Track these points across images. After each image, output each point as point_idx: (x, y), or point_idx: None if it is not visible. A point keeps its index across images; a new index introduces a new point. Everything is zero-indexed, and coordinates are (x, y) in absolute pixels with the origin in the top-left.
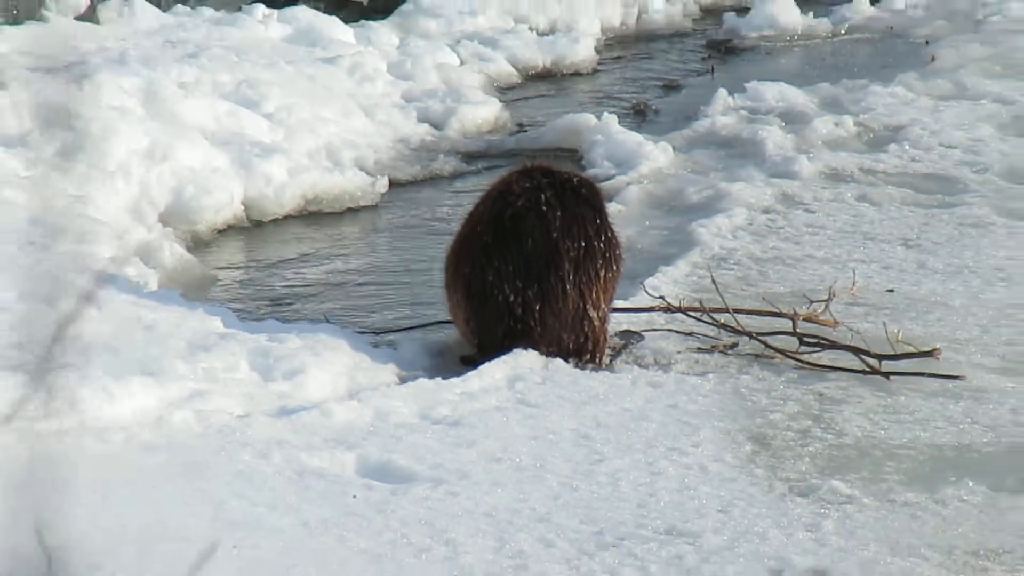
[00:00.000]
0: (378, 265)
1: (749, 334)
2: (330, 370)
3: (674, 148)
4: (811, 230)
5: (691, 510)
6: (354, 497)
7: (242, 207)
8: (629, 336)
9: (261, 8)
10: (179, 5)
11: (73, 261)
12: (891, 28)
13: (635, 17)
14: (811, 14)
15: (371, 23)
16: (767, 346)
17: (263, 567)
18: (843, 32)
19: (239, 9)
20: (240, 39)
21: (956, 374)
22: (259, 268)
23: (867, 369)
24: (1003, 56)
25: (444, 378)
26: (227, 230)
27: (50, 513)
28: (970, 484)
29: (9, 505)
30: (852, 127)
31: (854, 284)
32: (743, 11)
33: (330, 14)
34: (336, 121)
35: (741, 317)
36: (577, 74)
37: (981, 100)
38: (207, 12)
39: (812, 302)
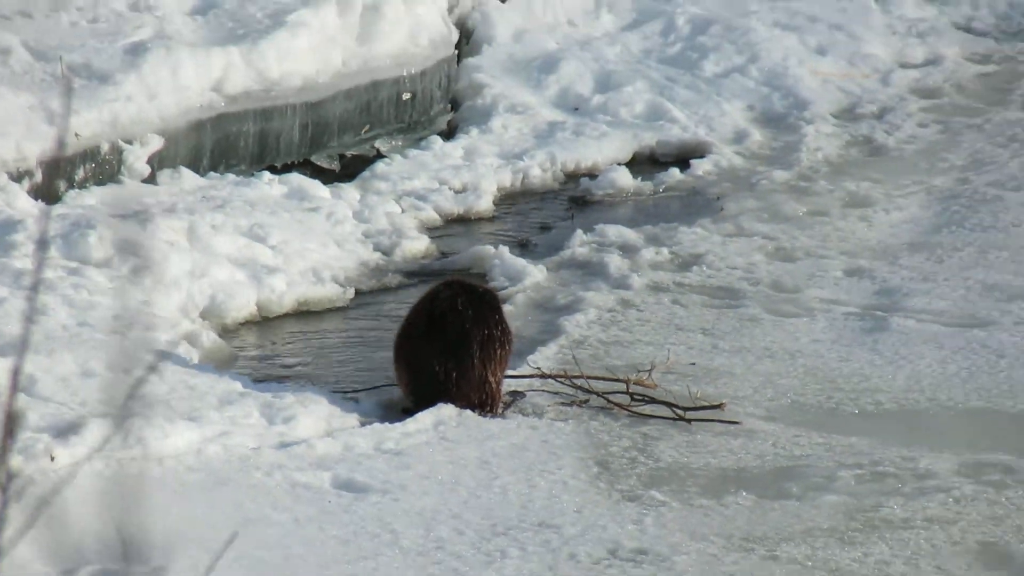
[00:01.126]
0: (348, 346)
1: (596, 393)
2: (313, 417)
3: (547, 269)
4: (640, 323)
5: (556, 511)
6: (329, 502)
7: (256, 308)
8: (516, 395)
9: (267, 175)
10: (212, 172)
11: (142, 343)
12: (693, 188)
13: (520, 180)
14: (639, 178)
15: (341, 184)
16: (608, 401)
17: (269, 545)
18: (661, 191)
19: (252, 175)
20: (253, 195)
21: (735, 420)
22: (267, 348)
23: (675, 416)
24: (769, 208)
25: (391, 422)
26: (245, 323)
27: (129, 513)
28: (744, 494)
29: (102, 508)
30: (667, 255)
31: (668, 359)
32: (593, 176)
33: (313, 179)
34: (318, 251)
35: (592, 381)
36: (481, 219)
37: (754, 237)
38: (231, 177)
39: (639, 371)
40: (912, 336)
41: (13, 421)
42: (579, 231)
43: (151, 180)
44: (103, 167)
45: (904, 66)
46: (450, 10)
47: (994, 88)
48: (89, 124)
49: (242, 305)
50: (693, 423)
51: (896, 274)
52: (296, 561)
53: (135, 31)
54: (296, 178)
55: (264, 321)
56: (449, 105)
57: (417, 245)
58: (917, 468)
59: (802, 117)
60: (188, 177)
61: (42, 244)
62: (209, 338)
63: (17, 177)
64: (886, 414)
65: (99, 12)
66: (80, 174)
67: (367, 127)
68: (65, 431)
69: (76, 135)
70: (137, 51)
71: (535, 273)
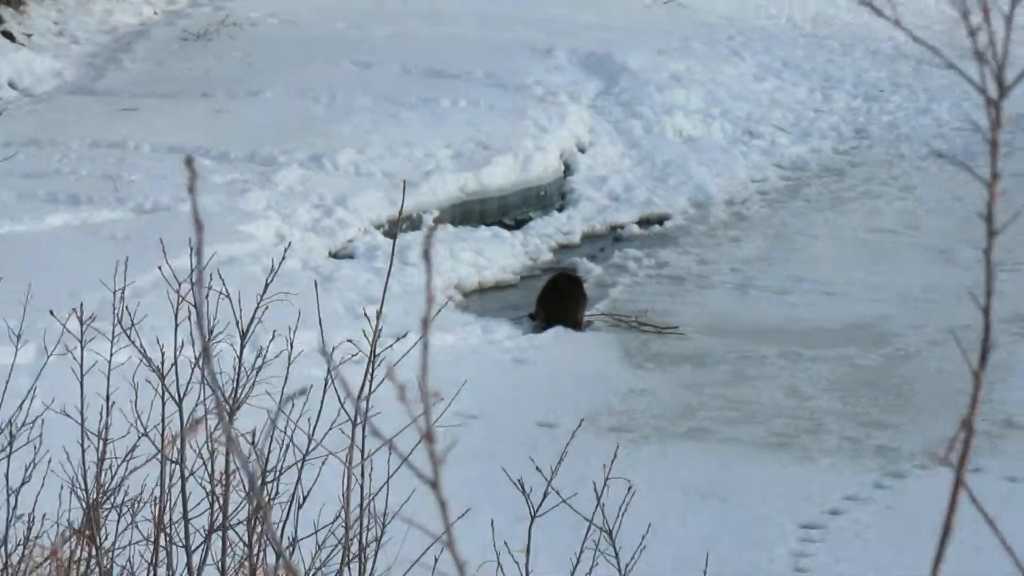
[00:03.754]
0: (518, 299)
1: (624, 321)
2: (503, 331)
3: (602, 268)
4: (642, 293)
5: (606, 372)
6: (509, 368)
7: (478, 283)
8: (589, 323)
9: (483, 227)
10: (461, 225)
11: (431, 300)
12: (665, 233)
13: (592, 229)
14: (642, 229)
15: (516, 231)
16: (629, 324)
17: (484, 387)
18: (651, 233)
19: (477, 227)
20: (478, 236)
21: (682, 333)
22: (483, 301)
23: (657, 331)
24: (697, 242)
25: (536, 333)
26: (473, 291)
27: (423, 371)
28: (688, 366)
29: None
30: (654, 262)
31: (653, 307)
32: (623, 227)
33: (503, 228)
34: (504, 259)
35: (622, 316)
36: (574, 246)
37: (690, 253)
38: (468, 228)
39: (642, 312)
40: (759, 299)
41: (377, 333)
42: (616, 251)
43: (435, 229)
44: (415, 223)
45: (754, 181)
46: (560, 156)
47: (791, 192)
48: (409, 205)
49: (472, 282)
50: (664, 334)
51: (753, 270)
52: (499, 394)
53: (427, 165)
54: (496, 229)
55: (481, 290)
56: (561, 197)
57: (547, 256)
58: (760, 353)
59: (711, 203)
60: (450, 228)
61: (390, 257)
62: (457, 297)
63: (377, 227)
64: (747, 331)
65: (412, 157)
66: (405, 226)
67: (525, 208)
68: (396, 336)
69: (401, 212)
70: (429, 173)
71: (597, 269)
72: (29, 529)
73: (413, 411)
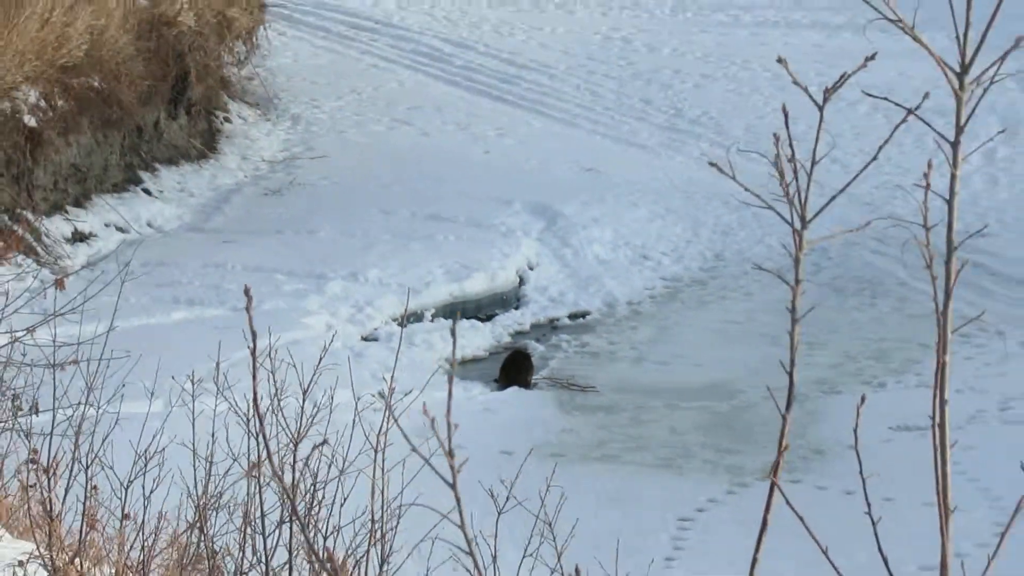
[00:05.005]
0: (489, 367)
1: (559, 383)
2: (478, 388)
3: (543, 347)
4: (570, 364)
5: (546, 418)
6: (480, 415)
7: (462, 358)
8: (534, 384)
9: (464, 320)
10: (446, 319)
11: (428, 367)
12: (586, 324)
13: (538, 320)
14: (570, 321)
15: (486, 323)
16: (562, 385)
17: (467, 430)
18: (575, 323)
19: (462, 320)
20: (462, 326)
21: (598, 391)
22: (465, 370)
23: (581, 389)
24: (605, 328)
25: (499, 391)
26: (460, 363)
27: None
28: (601, 413)
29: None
30: (579, 343)
31: (576, 374)
32: (558, 319)
33: (477, 321)
34: (480, 340)
35: (557, 380)
36: (525, 332)
37: (602, 338)
38: (454, 320)
39: (571, 376)
40: (650, 368)
41: (391, 391)
42: (553, 336)
43: (432, 321)
44: (418, 317)
45: (646, 289)
46: (516, 272)
47: (671, 296)
48: (413, 305)
49: (456, 357)
50: (586, 391)
51: (646, 349)
52: (474, 432)
53: (427, 279)
54: (473, 321)
55: (463, 362)
56: (517, 300)
57: (507, 340)
58: (650, 404)
59: (617, 304)
60: (440, 321)
61: (398, 340)
62: (446, 367)
63: (393, 320)
64: (642, 389)
65: (417, 273)
66: (411, 320)
67: (493, 307)
68: (404, 393)
69: (405, 310)
70: (428, 284)
71: (540, 348)
72: (158, 522)
73: (439, 436)
